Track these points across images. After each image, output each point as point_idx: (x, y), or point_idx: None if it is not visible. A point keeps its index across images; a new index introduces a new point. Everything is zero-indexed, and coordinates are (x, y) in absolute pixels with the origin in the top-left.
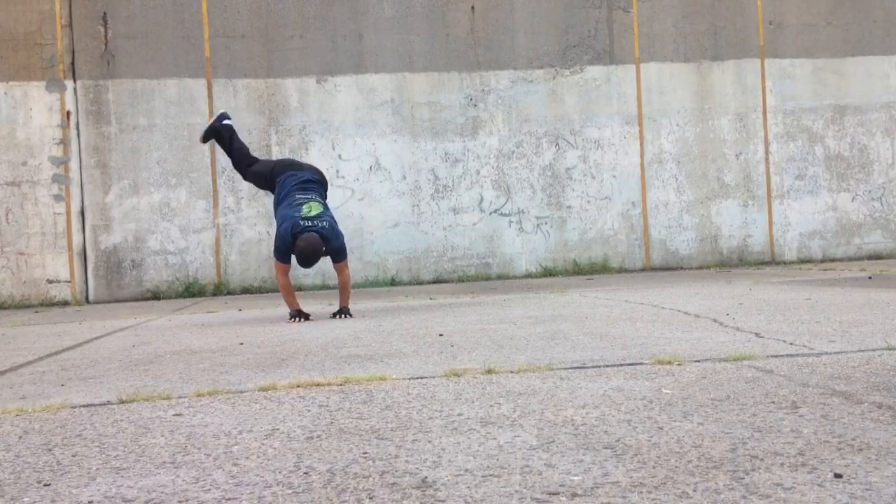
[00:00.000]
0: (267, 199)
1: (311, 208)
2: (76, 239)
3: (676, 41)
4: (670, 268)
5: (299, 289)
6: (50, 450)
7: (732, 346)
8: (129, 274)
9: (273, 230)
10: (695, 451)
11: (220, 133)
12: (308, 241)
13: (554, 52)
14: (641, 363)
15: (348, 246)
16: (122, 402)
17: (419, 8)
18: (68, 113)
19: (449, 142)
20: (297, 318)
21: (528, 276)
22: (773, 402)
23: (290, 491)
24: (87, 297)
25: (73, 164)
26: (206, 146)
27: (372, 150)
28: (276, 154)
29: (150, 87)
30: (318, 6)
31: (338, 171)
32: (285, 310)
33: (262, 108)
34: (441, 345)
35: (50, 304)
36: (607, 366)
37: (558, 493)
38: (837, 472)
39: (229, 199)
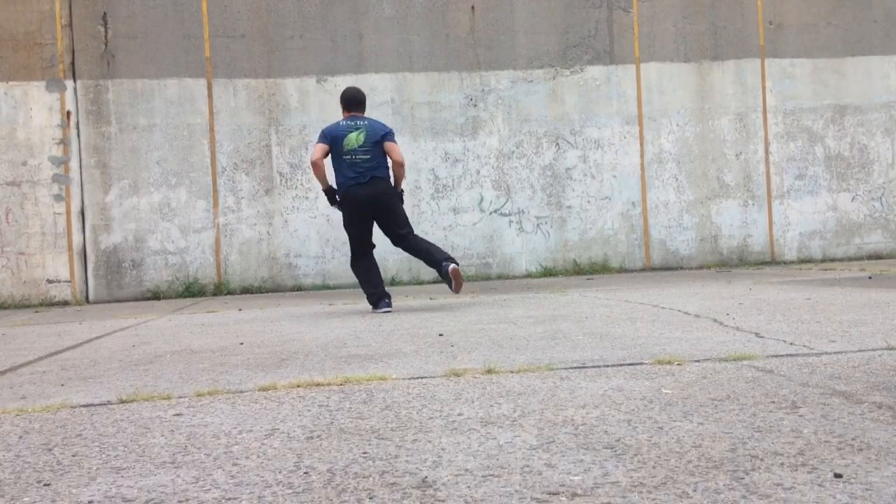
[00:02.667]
0: (266, 199)
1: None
2: (76, 239)
3: (676, 41)
4: (670, 268)
5: (299, 288)
6: (50, 450)
7: (732, 345)
8: (129, 274)
9: (272, 230)
10: (695, 451)
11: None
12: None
13: (554, 52)
14: (641, 363)
15: (348, 245)
16: (122, 401)
17: (419, 8)
18: (68, 113)
19: (449, 142)
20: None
21: (528, 275)
22: (773, 402)
23: (290, 491)
24: (87, 297)
25: (73, 164)
26: (206, 146)
27: None
28: (276, 154)
29: (150, 87)
30: (318, 6)
31: None
32: (285, 310)
33: (262, 108)
34: (441, 345)
35: (50, 304)
36: (607, 366)
37: (558, 493)
38: (837, 472)
39: (229, 198)
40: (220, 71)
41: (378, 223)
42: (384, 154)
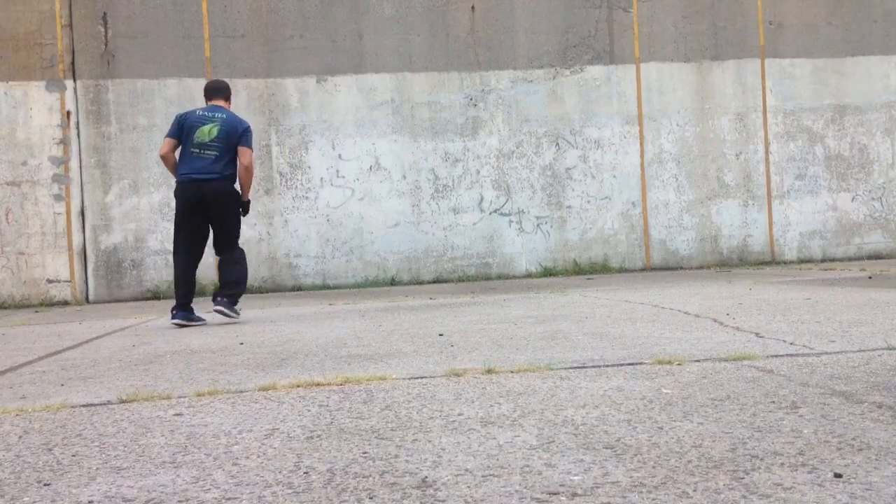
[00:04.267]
0: (266, 199)
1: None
2: (76, 239)
3: (676, 41)
4: (670, 268)
5: (299, 288)
6: (50, 449)
7: (732, 345)
8: (129, 274)
9: (273, 230)
10: (695, 451)
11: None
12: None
13: (554, 52)
14: (641, 363)
15: (348, 245)
16: (122, 401)
17: (419, 8)
18: (68, 113)
19: (449, 142)
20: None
21: (528, 275)
22: (773, 402)
23: (290, 491)
24: (87, 297)
25: (73, 164)
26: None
27: (372, 149)
28: (276, 154)
29: (150, 87)
30: (318, 6)
31: (338, 171)
32: (285, 310)
33: (261, 107)
34: (441, 345)
35: (50, 303)
36: (607, 366)
37: (558, 493)
38: (837, 472)
39: None
40: (220, 71)
41: (211, 225)
42: (236, 153)
